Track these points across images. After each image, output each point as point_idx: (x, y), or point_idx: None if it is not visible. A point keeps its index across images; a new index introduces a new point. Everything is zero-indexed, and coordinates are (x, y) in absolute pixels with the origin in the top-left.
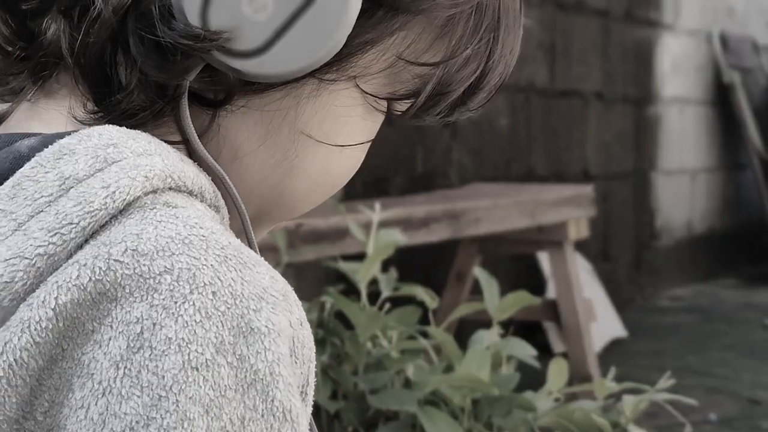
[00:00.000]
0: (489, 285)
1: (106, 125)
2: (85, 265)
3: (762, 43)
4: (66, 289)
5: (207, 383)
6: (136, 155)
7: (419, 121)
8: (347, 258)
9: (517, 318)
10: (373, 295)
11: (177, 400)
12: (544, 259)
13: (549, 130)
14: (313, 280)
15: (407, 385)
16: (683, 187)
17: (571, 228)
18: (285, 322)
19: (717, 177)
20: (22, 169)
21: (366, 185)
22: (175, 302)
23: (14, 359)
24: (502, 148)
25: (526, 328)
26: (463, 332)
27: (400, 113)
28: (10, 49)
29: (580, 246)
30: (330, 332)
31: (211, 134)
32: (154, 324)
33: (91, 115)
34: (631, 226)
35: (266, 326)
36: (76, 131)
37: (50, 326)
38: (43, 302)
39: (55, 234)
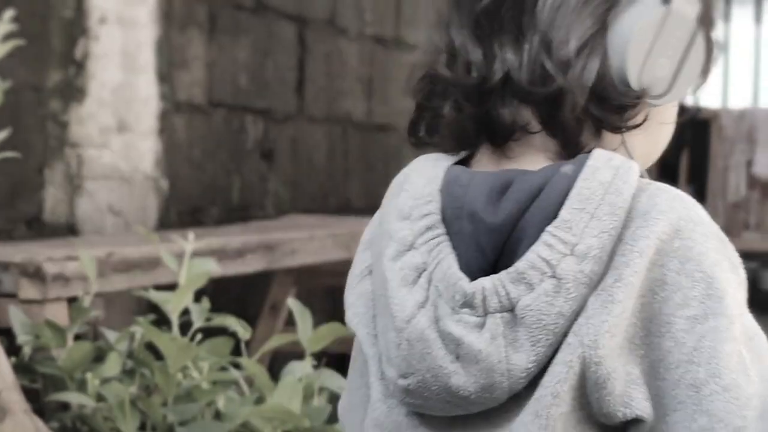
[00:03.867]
0: (302, 316)
1: (596, 150)
2: (647, 221)
3: None
4: (644, 236)
5: (723, 271)
6: (623, 162)
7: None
8: (160, 288)
9: (331, 350)
10: (186, 326)
11: (720, 281)
12: None
13: (366, 163)
14: (123, 310)
15: (218, 417)
16: None
17: None
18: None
19: None
20: (577, 182)
21: (181, 215)
22: (692, 232)
23: (638, 270)
24: (319, 180)
25: (340, 359)
26: (278, 364)
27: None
28: (470, 127)
29: None
30: (140, 363)
31: (621, 147)
32: (688, 247)
33: (549, 161)
34: None
35: (724, 239)
36: (589, 158)
37: (643, 254)
38: (646, 239)
39: (614, 215)
